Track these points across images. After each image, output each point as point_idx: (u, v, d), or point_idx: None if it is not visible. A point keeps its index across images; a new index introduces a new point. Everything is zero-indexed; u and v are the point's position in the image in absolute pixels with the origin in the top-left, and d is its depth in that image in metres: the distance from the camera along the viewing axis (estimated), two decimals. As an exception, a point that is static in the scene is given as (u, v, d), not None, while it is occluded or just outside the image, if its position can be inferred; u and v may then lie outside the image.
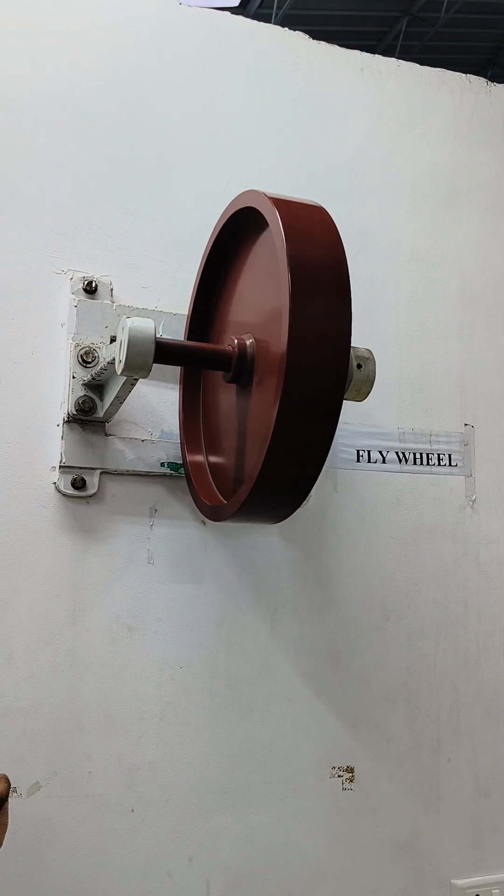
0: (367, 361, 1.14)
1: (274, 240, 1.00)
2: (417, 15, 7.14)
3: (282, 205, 1.02)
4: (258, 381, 1.08)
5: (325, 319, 0.97)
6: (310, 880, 1.37)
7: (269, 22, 1.57)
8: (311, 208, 1.04)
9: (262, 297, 1.10)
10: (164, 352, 1.08)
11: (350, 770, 1.41)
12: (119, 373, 1.06)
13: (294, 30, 1.54)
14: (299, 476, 1.00)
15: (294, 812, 1.37)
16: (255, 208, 1.09)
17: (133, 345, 1.02)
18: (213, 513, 1.17)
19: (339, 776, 1.41)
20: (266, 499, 1.03)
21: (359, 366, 1.13)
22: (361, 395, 1.16)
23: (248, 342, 1.09)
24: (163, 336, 1.31)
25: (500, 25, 7.34)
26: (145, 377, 1.07)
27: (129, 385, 1.14)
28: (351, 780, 1.41)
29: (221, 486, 1.21)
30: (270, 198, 1.03)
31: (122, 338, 1.04)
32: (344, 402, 1.21)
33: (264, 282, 1.09)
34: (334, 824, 1.40)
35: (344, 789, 1.41)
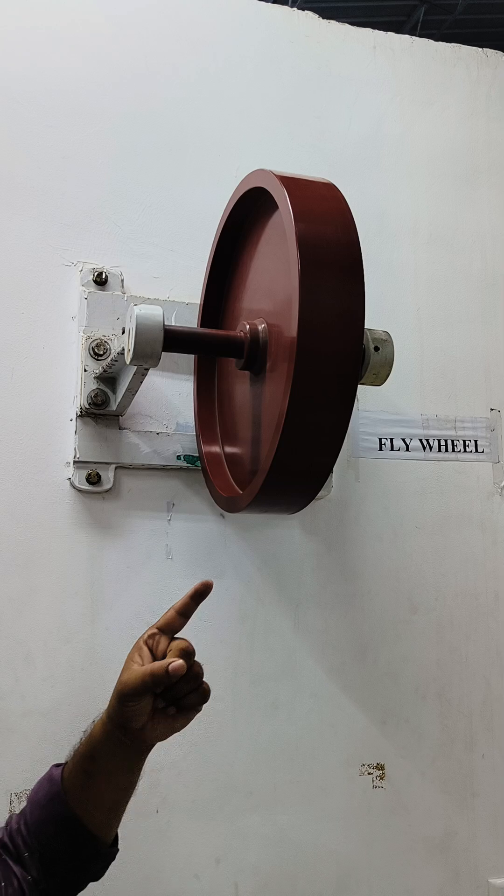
0: (384, 344, 1.10)
1: (283, 219, 0.97)
2: (435, 2, 7.03)
3: (290, 183, 0.98)
4: (271, 368, 1.04)
5: (338, 300, 0.93)
6: (342, 882, 1.33)
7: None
8: (321, 186, 1.01)
9: (274, 281, 1.06)
10: (174, 339, 1.04)
11: (380, 767, 1.37)
12: (128, 362, 1.03)
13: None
14: (315, 464, 0.97)
15: (323, 811, 1.33)
16: (264, 188, 1.05)
17: (141, 333, 1.00)
18: (229, 504, 1.14)
19: (368, 774, 1.37)
20: (281, 488, 0.99)
21: (376, 348, 1.09)
22: (380, 379, 1.12)
23: (259, 327, 1.06)
24: (174, 324, 1.28)
25: (522, 9, 7.19)
26: (155, 366, 1.04)
27: (140, 375, 1.11)
28: (381, 778, 1.37)
29: (238, 477, 1.18)
30: (278, 176, 1.00)
31: (130, 326, 1.01)
32: (363, 387, 1.19)
33: (276, 265, 1.06)
34: (366, 824, 1.36)
35: (374, 787, 1.37)
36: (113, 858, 0.92)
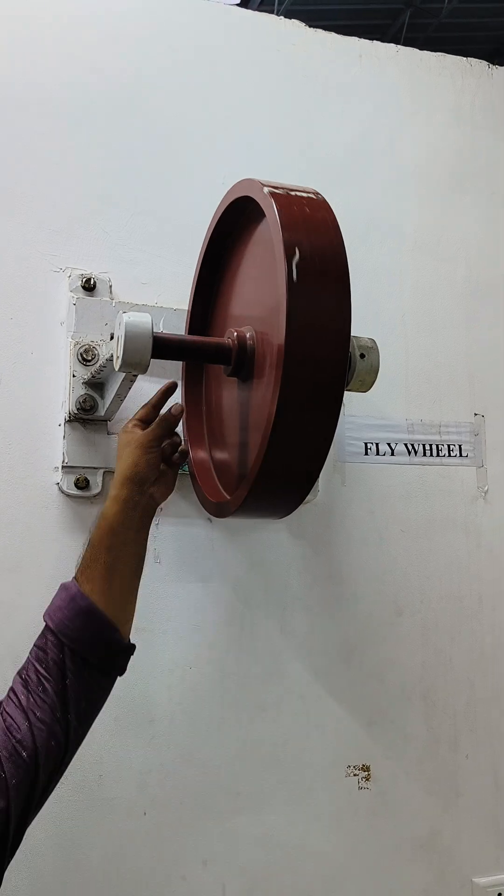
0: (370, 351, 1.11)
1: (269, 228, 0.98)
2: (420, 6, 7.07)
3: (277, 191, 0.99)
4: (259, 374, 1.05)
5: (325, 308, 0.94)
6: (328, 882, 1.35)
7: (271, 19, 1.54)
8: (308, 194, 1.02)
9: (262, 288, 1.07)
10: (163, 346, 1.05)
11: (366, 768, 1.39)
12: (117, 369, 1.04)
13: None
14: (302, 470, 0.98)
15: (310, 812, 1.35)
16: (250, 197, 1.06)
17: (130, 340, 1.00)
18: (217, 510, 1.15)
19: (354, 775, 1.38)
20: (269, 494, 1.00)
21: (362, 355, 1.10)
22: (366, 385, 1.14)
23: (247, 334, 1.07)
24: (162, 331, 1.29)
25: (506, 13, 7.24)
26: (144, 373, 1.05)
27: (129, 382, 1.12)
28: (367, 779, 1.39)
29: (226, 483, 1.19)
30: (265, 185, 1.01)
31: (119, 333, 1.02)
32: (349, 393, 1.20)
33: (263, 272, 1.07)
34: (352, 824, 1.37)
35: (360, 788, 1.38)
36: (132, 653, 1.02)
